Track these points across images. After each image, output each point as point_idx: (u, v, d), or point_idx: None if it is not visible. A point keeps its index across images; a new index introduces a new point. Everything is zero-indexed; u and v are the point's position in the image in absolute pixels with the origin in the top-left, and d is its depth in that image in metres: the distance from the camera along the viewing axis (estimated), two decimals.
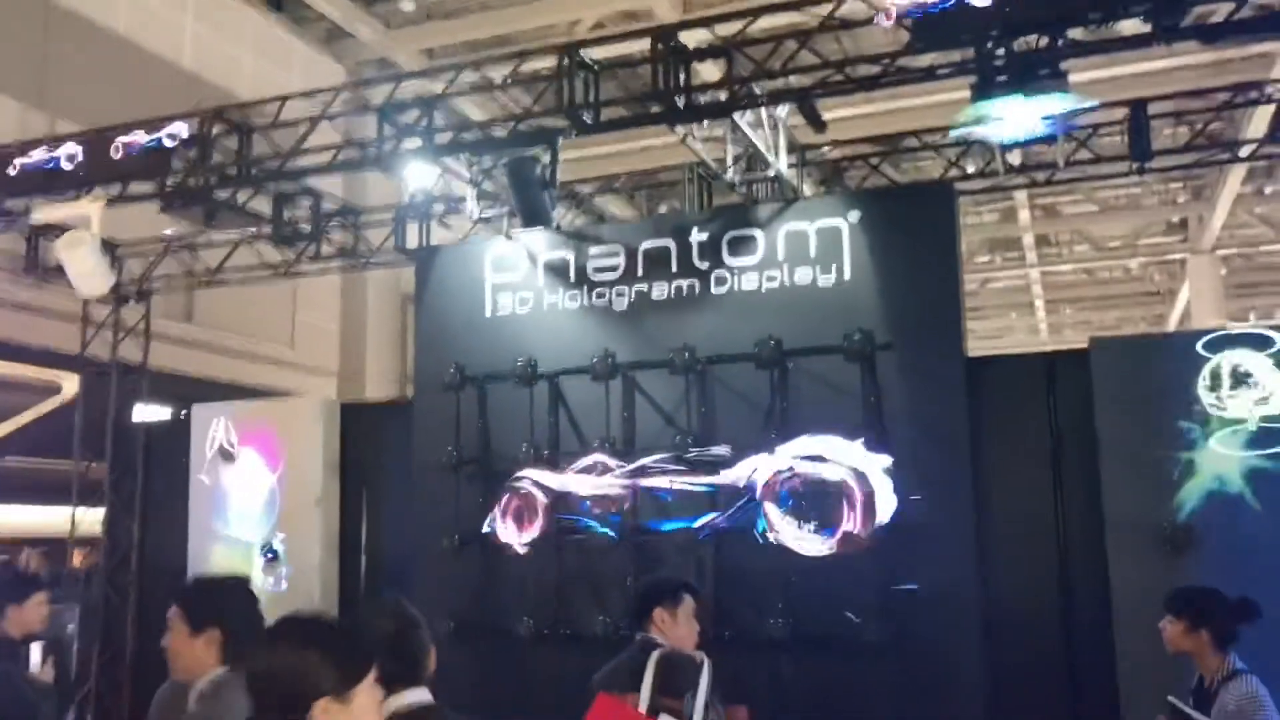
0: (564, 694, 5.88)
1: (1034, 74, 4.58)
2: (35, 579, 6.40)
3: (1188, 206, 17.16)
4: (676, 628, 3.99)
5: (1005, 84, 4.61)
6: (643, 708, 3.34)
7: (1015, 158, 6.38)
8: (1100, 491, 5.44)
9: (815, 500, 5.70)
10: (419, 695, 2.60)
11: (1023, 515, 5.76)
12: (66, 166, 6.02)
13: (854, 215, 6.04)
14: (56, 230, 6.86)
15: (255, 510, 7.26)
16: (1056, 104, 4.66)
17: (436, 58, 12.41)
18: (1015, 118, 4.82)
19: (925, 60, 4.88)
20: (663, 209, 13.42)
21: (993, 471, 5.76)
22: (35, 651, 5.60)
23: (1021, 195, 15.39)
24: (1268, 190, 16.16)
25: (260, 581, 6.91)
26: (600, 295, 6.54)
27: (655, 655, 3.62)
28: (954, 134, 4.89)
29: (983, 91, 4.65)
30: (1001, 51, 4.56)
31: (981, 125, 4.90)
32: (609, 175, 10.06)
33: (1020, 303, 22.35)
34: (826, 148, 6.85)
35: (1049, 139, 5.32)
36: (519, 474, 6.35)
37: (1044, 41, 4.58)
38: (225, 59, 11.84)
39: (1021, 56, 4.54)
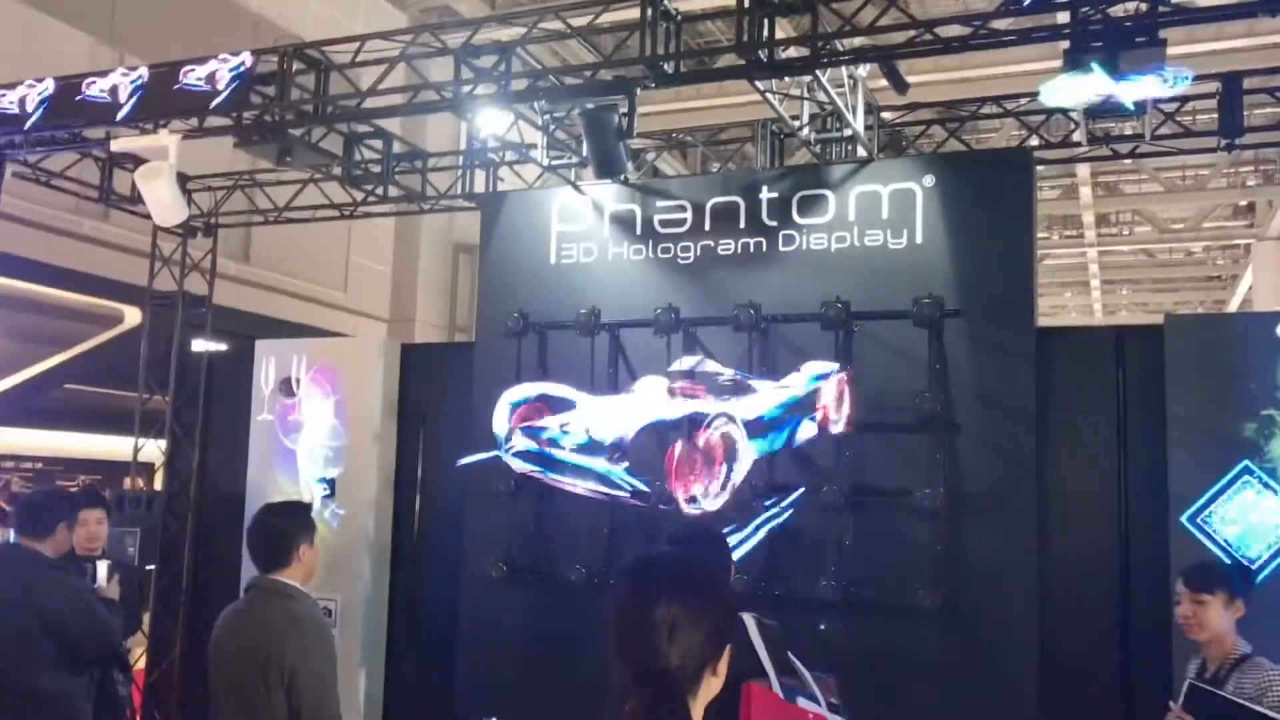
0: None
1: (1130, 41, 4.48)
2: (92, 496, 6.58)
3: (1257, 190, 16.76)
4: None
5: (1099, 50, 4.50)
6: (779, 692, 2.85)
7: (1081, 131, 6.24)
8: (1166, 470, 5.38)
9: None
10: None
11: (1085, 490, 5.72)
12: (141, 97, 6.07)
13: (928, 180, 5.97)
14: (131, 160, 6.95)
15: (314, 445, 7.37)
16: (1153, 87, 4.55)
17: (499, 8, 12.35)
18: (1106, 88, 4.71)
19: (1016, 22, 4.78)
20: (714, 168, 13.33)
21: (1057, 444, 5.72)
22: (102, 568, 5.75)
23: (1084, 172, 15.11)
24: None
25: (317, 514, 7.03)
26: (665, 249, 6.53)
27: (752, 622, 3.12)
28: (1042, 99, 4.77)
29: (1076, 57, 4.55)
30: (1098, 16, 4.46)
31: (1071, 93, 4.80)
32: (667, 131, 9.98)
33: (1076, 281, 22.01)
34: (896, 112, 6.74)
35: (1136, 111, 5.19)
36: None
37: (1143, 7, 4.47)
38: (292, 2, 11.87)
39: (1118, 22, 4.43)
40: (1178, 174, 17.07)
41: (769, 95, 5.55)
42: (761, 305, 6.06)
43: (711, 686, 1.80)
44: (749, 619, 3.12)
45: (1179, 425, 5.38)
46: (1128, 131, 6.31)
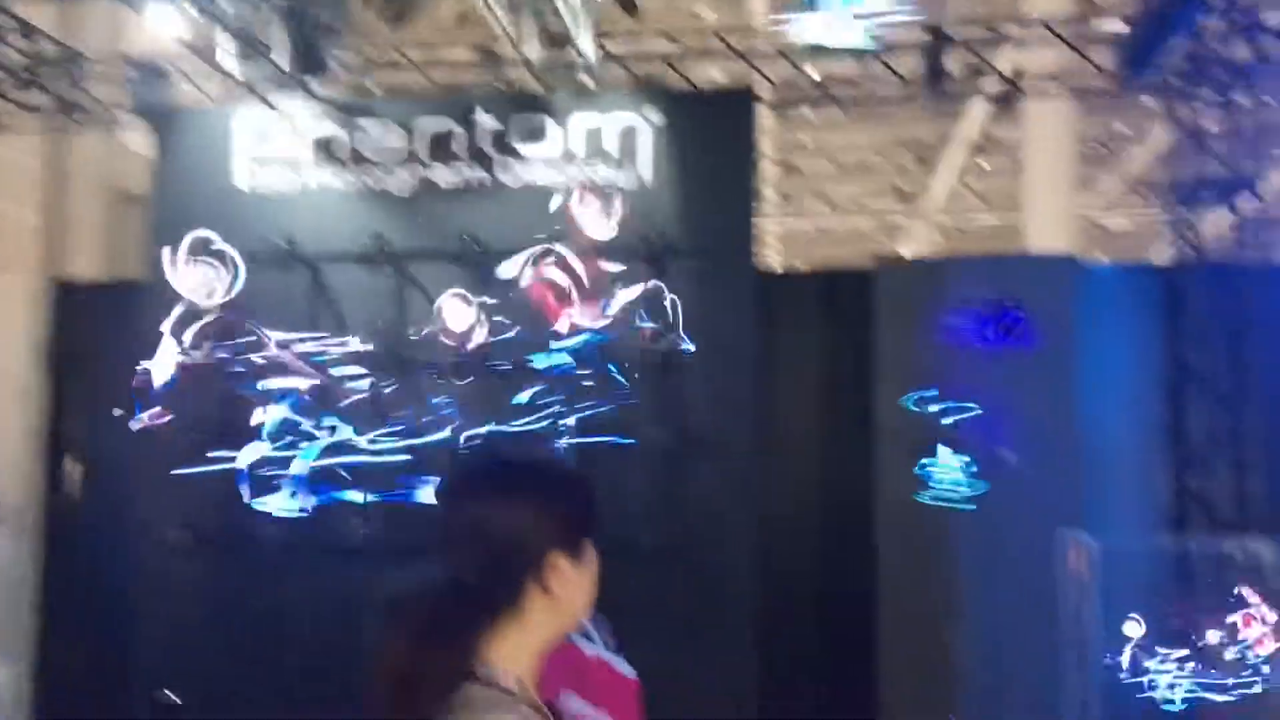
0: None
1: None
2: None
3: (913, 176, 18.16)
4: None
5: None
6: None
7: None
8: (874, 412, 5.53)
9: None
10: None
11: (798, 429, 5.80)
12: None
13: (653, 114, 5.78)
14: None
15: None
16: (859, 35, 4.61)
17: None
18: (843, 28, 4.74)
19: None
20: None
21: (774, 386, 5.75)
22: None
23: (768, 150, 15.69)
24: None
25: None
26: (374, 177, 5.94)
27: None
28: (803, 46, 4.76)
29: None
30: None
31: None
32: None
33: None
34: (621, 42, 6.49)
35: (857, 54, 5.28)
36: None
37: None
38: None
39: None
40: (850, 156, 18.15)
41: (491, 8, 5.13)
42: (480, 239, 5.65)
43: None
44: None
45: (887, 364, 5.55)
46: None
